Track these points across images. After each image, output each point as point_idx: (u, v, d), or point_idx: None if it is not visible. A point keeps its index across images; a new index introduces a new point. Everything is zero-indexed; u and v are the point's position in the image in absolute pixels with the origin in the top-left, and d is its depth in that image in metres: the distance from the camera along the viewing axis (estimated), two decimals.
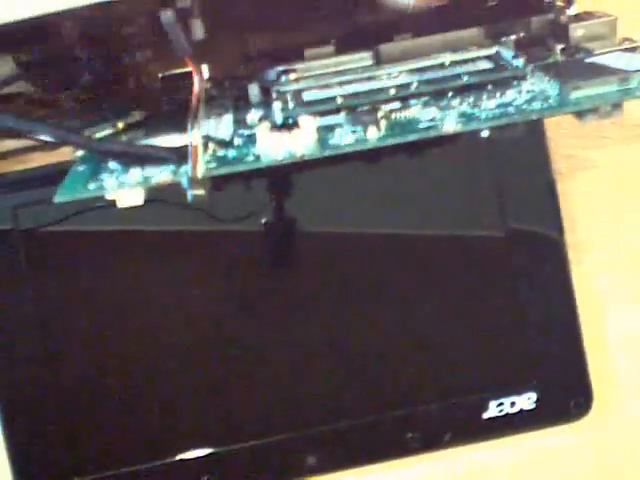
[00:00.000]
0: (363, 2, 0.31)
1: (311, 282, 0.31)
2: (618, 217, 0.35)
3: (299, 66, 0.30)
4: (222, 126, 0.28)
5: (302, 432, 0.31)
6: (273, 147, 0.26)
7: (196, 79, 0.25)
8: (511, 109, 0.25)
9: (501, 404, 0.31)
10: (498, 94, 0.27)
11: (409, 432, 0.31)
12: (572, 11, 0.31)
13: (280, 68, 0.30)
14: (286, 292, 0.31)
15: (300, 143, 0.25)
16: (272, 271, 0.31)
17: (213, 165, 0.25)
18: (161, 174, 0.25)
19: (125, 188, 0.25)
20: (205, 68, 0.30)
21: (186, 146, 0.25)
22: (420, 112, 0.26)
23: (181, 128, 0.27)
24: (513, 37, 0.30)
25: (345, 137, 0.25)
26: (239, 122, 0.28)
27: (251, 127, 0.28)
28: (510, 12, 0.31)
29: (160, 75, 0.31)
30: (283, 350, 0.31)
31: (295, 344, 0.31)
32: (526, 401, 0.31)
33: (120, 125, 0.28)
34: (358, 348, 0.31)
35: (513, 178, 0.31)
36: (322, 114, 0.27)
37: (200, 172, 0.25)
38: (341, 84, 0.29)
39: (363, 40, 0.31)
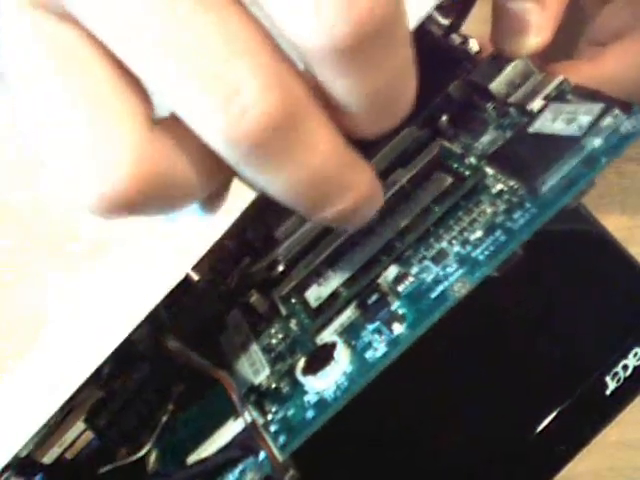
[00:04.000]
0: None
1: None
2: None
3: (280, 251, 0.30)
4: (256, 363, 0.29)
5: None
6: (321, 386, 0.26)
7: (228, 384, 0.25)
8: (501, 235, 0.26)
9: (616, 374, 0.32)
10: (475, 214, 0.27)
11: (556, 445, 0.32)
12: (473, 47, 0.31)
13: (265, 261, 0.30)
14: None
15: (340, 370, 0.26)
16: None
17: (284, 438, 0.26)
18: (247, 476, 0.26)
19: None
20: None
21: (247, 436, 0.26)
22: (421, 274, 0.27)
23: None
24: (444, 117, 0.30)
25: (377, 346, 0.26)
26: (267, 350, 0.29)
27: (283, 356, 0.28)
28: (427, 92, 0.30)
29: None
30: None
31: None
32: (635, 358, 0.32)
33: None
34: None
35: None
36: (336, 314, 0.27)
37: (280, 455, 0.25)
38: (329, 262, 0.29)
39: None
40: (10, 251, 0.31)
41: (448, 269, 0.26)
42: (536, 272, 0.33)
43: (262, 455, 0.26)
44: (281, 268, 0.30)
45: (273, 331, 0.29)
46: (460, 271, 0.26)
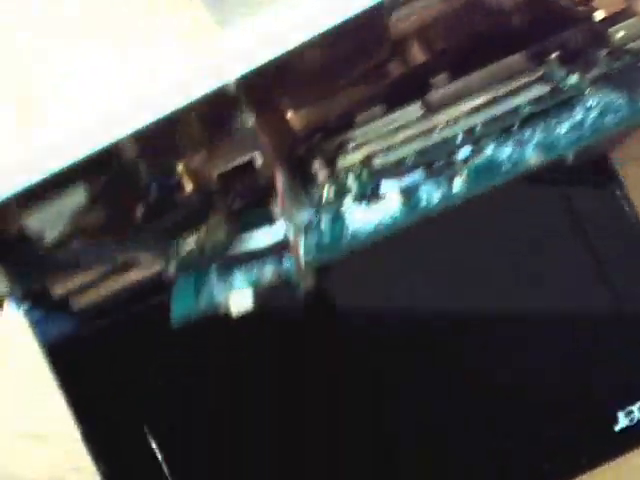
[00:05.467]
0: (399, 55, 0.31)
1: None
2: None
3: (355, 133, 0.30)
4: (302, 203, 0.28)
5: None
6: (363, 223, 0.25)
7: (278, 174, 0.25)
8: (586, 129, 0.25)
9: (630, 412, 0.30)
10: (565, 117, 0.26)
11: (544, 462, 0.30)
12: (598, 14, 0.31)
13: (337, 140, 0.30)
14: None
15: (388, 212, 0.25)
16: None
17: (313, 254, 0.25)
18: (265, 273, 0.25)
19: (235, 294, 0.25)
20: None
21: (282, 241, 0.25)
22: (496, 153, 0.26)
23: (262, 222, 0.27)
24: (554, 55, 0.30)
25: (431, 196, 0.25)
26: (314, 202, 0.28)
27: (330, 204, 0.27)
28: (544, 30, 0.31)
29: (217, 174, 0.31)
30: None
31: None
32: None
33: (202, 230, 0.28)
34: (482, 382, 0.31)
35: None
36: (399, 176, 0.27)
37: (303, 262, 0.24)
38: (405, 142, 0.28)
39: (409, 92, 0.31)
40: None
41: (525, 151, 0.26)
42: None
43: (287, 262, 0.25)
44: (354, 144, 0.30)
45: (326, 187, 0.29)
46: (533, 149, 0.25)
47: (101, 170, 0.29)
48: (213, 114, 0.28)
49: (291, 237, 0.25)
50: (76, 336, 0.30)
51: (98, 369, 0.31)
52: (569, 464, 0.31)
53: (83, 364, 0.31)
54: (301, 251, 0.25)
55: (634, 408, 0.30)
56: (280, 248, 0.25)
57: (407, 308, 0.31)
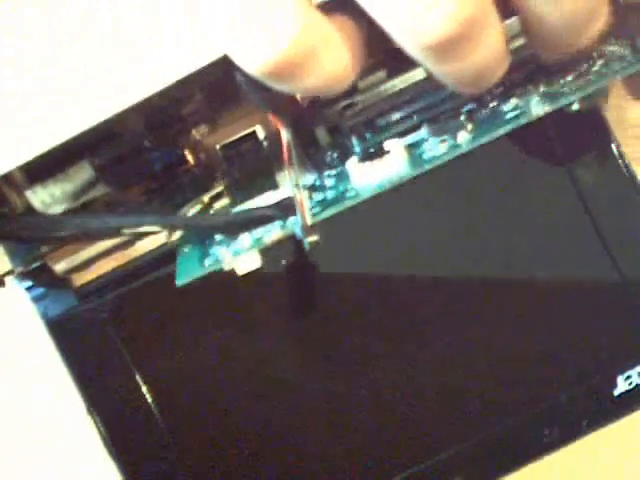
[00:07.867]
0: None
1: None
2: None
3: (358, 98, 0.29)
4: (305, 167, 0.28)
5: (442, 456, 0.31)
6: (368, 177, 0.25)
7: (283, 132, 0.24)
8: (592, 76, 0.25)
9: (629, 377, 0.30)
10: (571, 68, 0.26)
11: (546, 428, 0.31)
12: None
13: (340, 105, 0.29)
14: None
15: (393, 167, 0.25)
16: None
17: (318, 210, 0.25)
18: (271, 232, 0.25)
19: (241, 255, 0.24)
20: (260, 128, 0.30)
21: (286, 199, 0.25)
22: (500, 106, 0.26)
23: (264, 187, 0.26)
24: None
25: (436, 149, 0.25)
26: (318, 166, 0.28)
27: (334, 167, 0.27)
28: None
29: (218, 146, 0.30)
30: (399, 374, 0.31)
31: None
32: None
33: (205, 199, 0.28)
34: (479, 353, 0.31)
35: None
36: (403, 134, 0.26)
37: (310, 219, 0.24)
38: (408, 102, 0.28)
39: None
40: None
41: (530, 100, 0.25)
42: None
43: (294, 219, 0.25)
44: (358, 108, 0.30)
45: (329, 152, 0.28)
46: (538, 99, 0.25)
47: (106, 145, 0.28)
48: (216, 85, 0.28)
49: (296, 195, 0.24)
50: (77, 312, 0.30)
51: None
52: (570, 428, 0.31)
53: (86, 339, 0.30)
54: (307, 207, 0.24)
55: (633, 373, 0.30)
56: (284, 209, 0.25)
57: (408, 266, 0.30)
